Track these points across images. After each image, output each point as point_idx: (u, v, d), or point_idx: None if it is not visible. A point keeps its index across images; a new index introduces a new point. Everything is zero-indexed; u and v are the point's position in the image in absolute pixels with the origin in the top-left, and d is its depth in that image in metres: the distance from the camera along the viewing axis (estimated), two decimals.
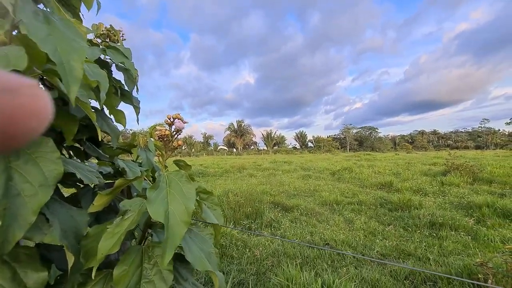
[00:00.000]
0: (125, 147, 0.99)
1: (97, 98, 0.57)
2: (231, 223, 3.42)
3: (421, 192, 5.52)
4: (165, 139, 0.57)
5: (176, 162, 0.67)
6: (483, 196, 4.84)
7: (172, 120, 0.57)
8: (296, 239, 3.13)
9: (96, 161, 0.89)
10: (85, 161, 0.77)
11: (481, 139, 71.79)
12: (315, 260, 2.60)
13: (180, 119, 0.58)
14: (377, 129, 71.83)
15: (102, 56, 0.84)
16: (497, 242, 2.87)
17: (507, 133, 73.76)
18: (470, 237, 3.02)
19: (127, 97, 0.98)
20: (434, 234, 3.18)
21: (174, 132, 0.58)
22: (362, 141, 67.14)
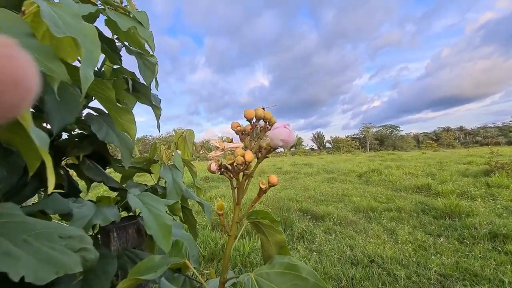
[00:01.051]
0: (143, 164, 0.71)
1: (81, 81, 0.27)
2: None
3: (466, 196, 4.94)
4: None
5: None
6: None
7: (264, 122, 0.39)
8: (335, 254, 2.77)
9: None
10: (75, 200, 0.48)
11: None
12: (361, 282, 2.23)
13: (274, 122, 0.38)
14: (399, 127, 69.03)
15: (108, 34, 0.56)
16: None
17: None
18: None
19: (144, 94, 0.69)
20: (500, 249, 2.70)
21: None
22: (383, 140, 64.79)
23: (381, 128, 68.55)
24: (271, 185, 0.37)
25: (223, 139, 0.36)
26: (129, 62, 0.79)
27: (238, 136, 0.38)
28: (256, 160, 0.36)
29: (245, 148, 0.36)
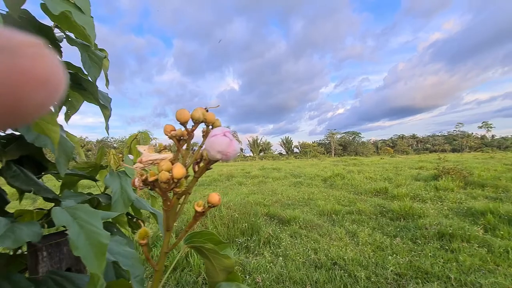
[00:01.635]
0: (88, 170, 0.62)
1: None
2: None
3: (418, 199, 5.38)
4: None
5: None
6: (481, 201, 4.75)
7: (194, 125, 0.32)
8: (300, 258, 2.80)
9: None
10: None
11: (456, 142, 75.18)
12: (325, 285, 2.28)
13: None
14: (360, 134, 73.51)
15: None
16: None
17: (479, 136, 77.79)
18: (485, 250, 2.81)
19: (91, 93, 0.61)
20: (447, 247, 2.96)
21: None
22: (346, 146, 68.40)
23: (344, 134, 72.36)
24: (211, 206, 0.32)
25: (155, 146, 0.32)
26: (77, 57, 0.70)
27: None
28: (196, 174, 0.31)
29: (180, 159, 0.31)
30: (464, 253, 2.78)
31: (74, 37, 0.60)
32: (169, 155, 0.28)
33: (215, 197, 0.31)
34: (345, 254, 2.85)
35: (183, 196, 0.32)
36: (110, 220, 0.57)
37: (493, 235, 3.24)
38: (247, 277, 2.38)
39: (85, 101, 0.76)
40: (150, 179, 0.28)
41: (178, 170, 0.27)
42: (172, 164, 0.28)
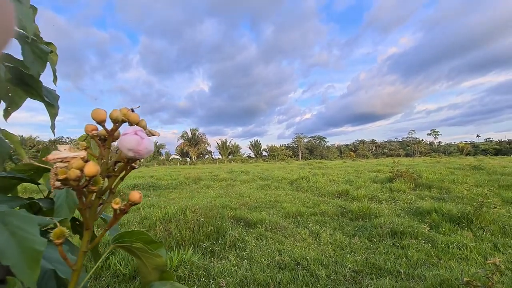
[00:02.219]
0: (29, 173, 0.57)
1: None
2: (191, 247, 2.96)
3: (375, 200, 5.77)
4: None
5: None
6: (428, 201, 5.25)
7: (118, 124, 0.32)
8: (265, 260, 2.83)
9: None
10: None
11: (409, 147, 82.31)
12: (288, 285, 2.33)
13: (143, 128, 0.30)
14: (325, 138, 76.90)
15: None
16: (454, 248, 3.00)
17: (428, 143, 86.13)
18: (430, 245, 3.11)
19: (33, 88, 0.57)
20: (398, 244, 3.21)
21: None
22: (312, 150, 70.99)
23: (311, 138, 75.13)
24: (132, 203, 0.32)
25: (77, 145, 0.29)
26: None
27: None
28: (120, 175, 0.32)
29: (99, 158, 0.31)
30: (413, 249, 3.05)
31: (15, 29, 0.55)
32: (81, 153, 0.27)
33: (135, 195, 0.32)
34: (308, 254, 2.95)
35: (107, 196, 0.32)
36: (52, 226, 0.53)
37: (437, 231, 3.60)
38: (211, 281, 2.35)
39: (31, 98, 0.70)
40: (60, 177, 0.27)
41: (90, 168, 0.27)
42: (86, 162, 0.28)
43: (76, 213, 0.56)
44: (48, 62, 0.59)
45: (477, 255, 2.85)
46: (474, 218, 3.78)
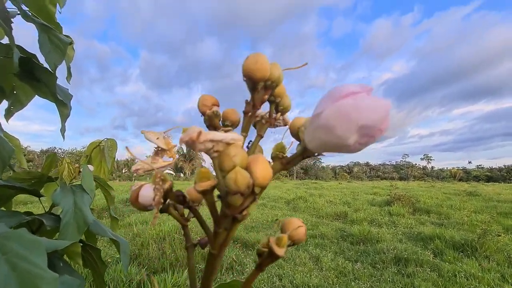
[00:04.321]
0: (29, 182, 0.48)
1: None
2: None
3: (375, 223, 5.63)
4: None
5: None
6: (429, 227, 5.14)
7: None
8: (264, 285, 2.65)
9: None
10: None
11: (403, 171, 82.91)
12: None
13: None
14: (320, 159, 77.27)
15: None
16: (462, 278, 2.87)
17: (422, 167, 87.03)
18: (436, 274, 2.98)
19: (46, 85, 0.50)
20: (403, 272, 3.07)
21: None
22: (307, 170, 70.99)
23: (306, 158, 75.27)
24: (293, 243, 0.20)
25: (168, 135, 0.20)
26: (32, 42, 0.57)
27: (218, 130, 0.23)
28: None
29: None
30: (419, 277, 2.91)
31: (32, 16, 0.49)
32: (237, 136, 0.17)
33: (299, 232, 0.20)
34: (310, 280, 2.79)
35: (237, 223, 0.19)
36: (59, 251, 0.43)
37: (441, 259, 3.47)
38: None
39: (37, 97, 0.62)
40: (202, 187, 0.17)
41: (263, 167, 0.16)
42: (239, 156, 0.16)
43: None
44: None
45: (486, 286, 2.72)
46: (479, 246, 3.67)
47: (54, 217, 0.44)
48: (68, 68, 0.58)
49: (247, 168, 0.16)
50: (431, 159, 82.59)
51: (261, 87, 0.20)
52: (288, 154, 0.21)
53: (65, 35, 0.54)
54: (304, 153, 0.19)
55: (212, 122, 0.22)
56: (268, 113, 0.23)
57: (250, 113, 0.22)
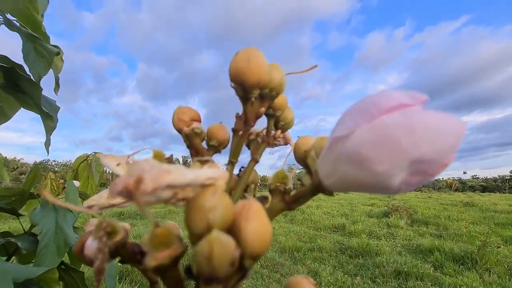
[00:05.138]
0: (9, 199, 0.45)
1: None
2: None
3: (373, 235, 5.55)
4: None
5: None
6: (428, 238, 5.07)
7: None
8: None
9: None
10: None
11: None
12: None
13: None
14: None
15: None
16: None
17: None
18: (438, 287, 2.91)
19: (31, 96, 0.47)
20: (403, 286, 3.00)
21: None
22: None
23: (303, 170, 75.47)
24: None
25: (130, 159, 0.15)
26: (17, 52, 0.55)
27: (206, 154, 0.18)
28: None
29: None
30: None
31: (19, 25, 0.47)
32: (218, 172, 0.11)
33: None
34: None
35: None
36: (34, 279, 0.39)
37: (441, 272, 3.40)
38: None
39: (23, 109, 0.59)
40: (156, 260, 0.11)
41: (259, 226, 0.10)
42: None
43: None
44: (51, 69, 0.50)
45: None
46: (478, 258, 3.62)
47: (32, 239, 0.41)
48: (56, 79, 0.56)
49: (232, 226, 0.11)
50: None
51: (256, 97, 0.15)
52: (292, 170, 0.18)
53: (53, 45, 0.52)
54: (317, 190, 0.14)
55: (192, 142, 0.18)
56: (265, 130, 0.19)
57: (241, 132, 0.17)
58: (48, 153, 0.54)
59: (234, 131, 0.17)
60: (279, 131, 0.19)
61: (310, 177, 0.15)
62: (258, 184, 0.21)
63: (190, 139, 0.18)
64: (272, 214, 0.16)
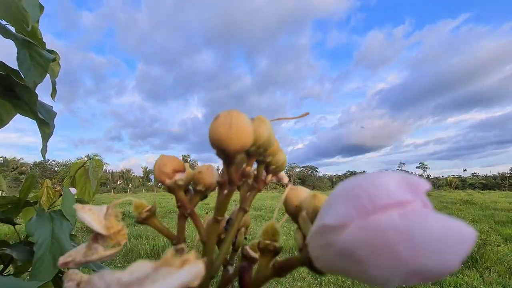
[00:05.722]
0: (4, 208, 0.44)
1: None
2: None
3: None
4: None
5: None
6: None
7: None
8: None
9: None
10: None
11: None
12: None
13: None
14: (318, 168, 77.32)
15: None
16: None
17: (418, 175, 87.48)
18: (438, 287, 2.92)
19: (27, 103, 0.47)
20: (404, 285, 3.00)
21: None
22: (305, 180, 70.81)
23: (303, 168, 75.40)
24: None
25: (114, 213, 0.16)
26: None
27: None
28: None
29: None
30: None
31: (15, 31, 0.46)
32: (193, 273, 0.09)
33: None
34: None
35: None
36: None
37: None
38: None
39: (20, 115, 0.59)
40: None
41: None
42: None
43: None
44: (48, 74, 0.49)
45: None
46: (479, 257, 3.62)
47: (28, 249, 0.40)
48: (53, 84, 0.55)
49: None
50: (426, 168, 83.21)
51: (242, 158, 0.15)
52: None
53: (49, 50, 0.52)
54: (307, 264, 0.13)
55: (175, 194, 0.17)
56: (255, 172, 0.17)
57: (226, 191, 0.16)
58: (44, 159, 0.53)
59: (219, 185, 0.16)
60: (270, 176, 0.18)
61: (301, 237, 0.15)
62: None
63: (173, 192, 0.17)
64: (260, 281, 0.15)
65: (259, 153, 0.15)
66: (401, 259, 0.08)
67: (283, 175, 0.20)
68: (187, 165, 0.18)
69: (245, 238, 0.20)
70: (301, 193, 0.16)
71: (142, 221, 0.17)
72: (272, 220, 0.16)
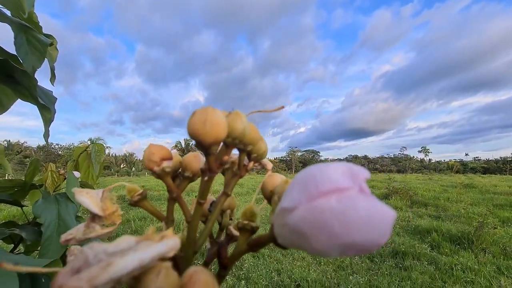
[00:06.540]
0: (11, 190, 0.46)
1: None
2: None
3: None
4: None
5: None
6: (426, 220, 5.18)
7: None
8: (263, 281, 2.67)
9: None
10: None
11: (401, 164, 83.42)
12: None
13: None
14: (319, 152, 77.57)
15: None
16: (458, 270, 2.90)
17: (419, 160, 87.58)
18: (433, 267, 3.01)
19: (27, 88, 0.47)
20: (400, 265, 3.10)
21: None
22: (306, 163, 71.27)
23: (305, 152, 75.72)
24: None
25: (112, 196, 0.17)
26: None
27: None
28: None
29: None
30: (416, 270, 2.93)
31: (11, 15, 0.46)
32: (168, 245, 0.11)
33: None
34: (308, 275, 2.81)
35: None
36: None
37: (438, 252, 3.50)
38: None
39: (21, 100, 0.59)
40: None
41: None
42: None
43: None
44: (46, 59, 0.49)
45: (482, 279, 2.75)
46: (475, 239, 3.70)
47: (36, 229, 0.42)
48: (52, 69, 0.55)
49: None
50: (428, 152, 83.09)
51: (219, 148, 0.17)
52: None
53: (45, 35, 0.51)
54: (273, 241, 0.15)
55: (163, 180, 0.19)
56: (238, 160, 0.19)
57: (206, 178, 0.18)
58: (47, 143, 0.54)
59: (202, 172, 0.18)
60: (251, 163, 0.19)
61: (270, 225, 0.16)
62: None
63: (161, 178, 0.18)
64: (237, 255, 0.17)
65: (235, 143, 0.17)
66: (336, 235, 0.10)
67: (267, 161, 0.21)
68: (176, 152, 0.19)
69: (231, 219, 0.22)
70: (276, 180, 0.18)
71: (134, 204, 0.19)
72: (251, 203, 0.17)
